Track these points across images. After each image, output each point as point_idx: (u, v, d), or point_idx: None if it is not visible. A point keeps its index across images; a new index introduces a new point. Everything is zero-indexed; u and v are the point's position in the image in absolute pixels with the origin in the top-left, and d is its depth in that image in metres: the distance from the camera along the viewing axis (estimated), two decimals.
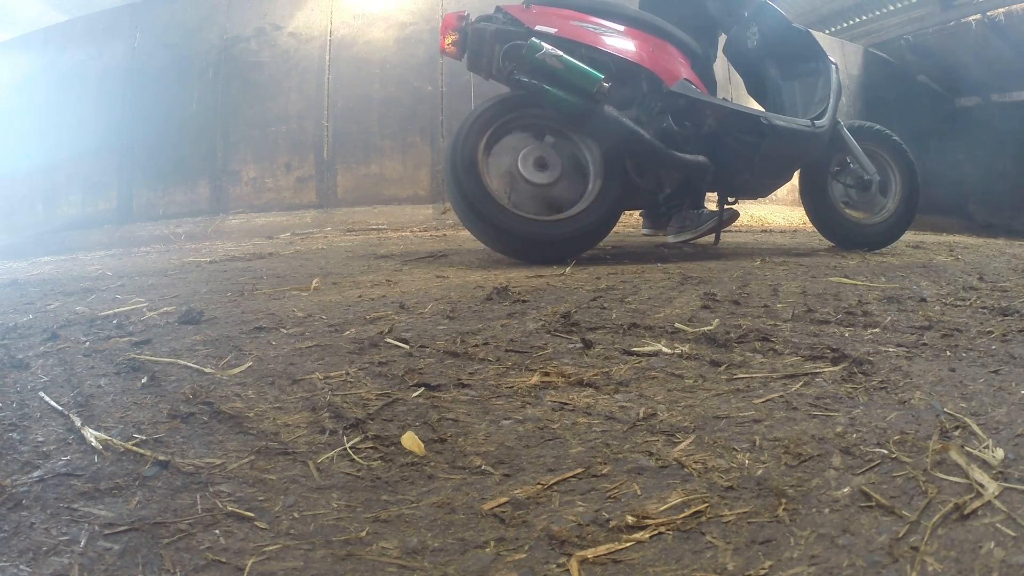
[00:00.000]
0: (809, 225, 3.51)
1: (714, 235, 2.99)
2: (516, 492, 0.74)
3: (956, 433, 0.82)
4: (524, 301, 1.60)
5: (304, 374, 1.09)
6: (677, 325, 1.35)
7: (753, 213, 5.27)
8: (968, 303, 1.56)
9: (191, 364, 1.14)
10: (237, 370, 1.11)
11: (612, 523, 0.68)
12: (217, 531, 0.67)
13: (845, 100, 5.68)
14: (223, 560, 0.62)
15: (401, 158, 4.72)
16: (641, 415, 0.92)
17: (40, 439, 0.85)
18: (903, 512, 0.66)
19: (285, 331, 1.36)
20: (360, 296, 1.75)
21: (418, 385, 1.04)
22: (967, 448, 0.77)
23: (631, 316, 1.44)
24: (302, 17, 4.80)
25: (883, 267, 2.28)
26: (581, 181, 2.47)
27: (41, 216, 4.93)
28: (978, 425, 0.83)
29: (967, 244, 3.80)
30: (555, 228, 2.36)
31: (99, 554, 0.63)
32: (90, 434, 0.85)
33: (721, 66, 3.69)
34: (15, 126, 5.01)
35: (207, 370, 1.12)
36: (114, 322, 1.48)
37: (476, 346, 1.23)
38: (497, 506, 0.71)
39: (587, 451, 0.83)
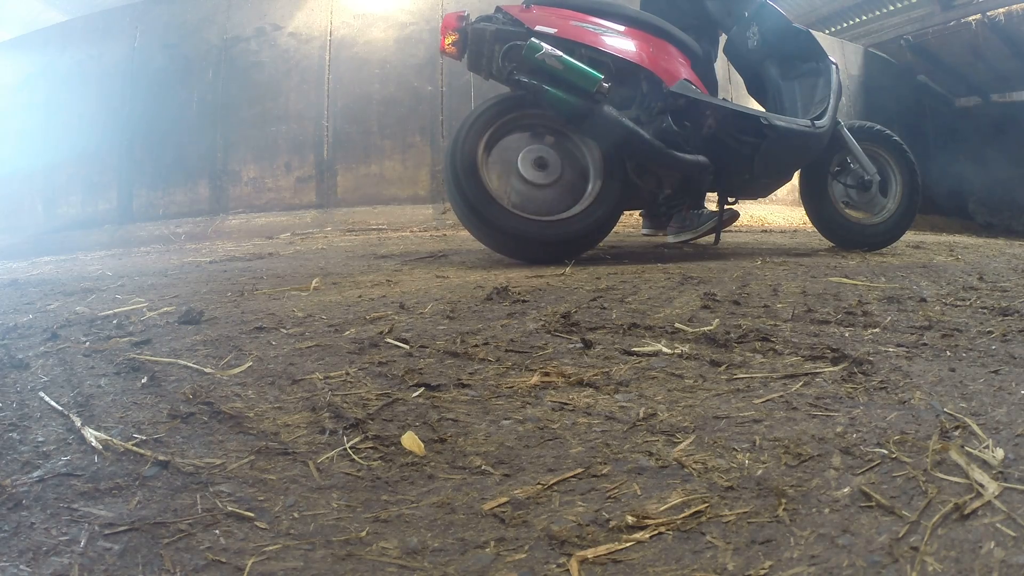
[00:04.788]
0: (809, 225, 3.51)
1: (714, 235, 2.99)
2: (516, 492, 0.74)
3: (956, 433, 0.82)
4: (524, 301, 1.60)
5: (304, 374, 1.09)
6: (677, 325, 1.35)
7: (753, 213, 5.27)
8: (968, 303, 1.56)
9: (191, 364, 1.14)
10: (237, 370, 1.11)
11: (612, 523, 0.68)
12: (217, 531, 0.67)
13: (845, 100, 5.68)
14: (223, 560, 0.62)
15: (401, 158, 4.72)
16: (641, 415, 0.92)
17: (40, 439, 0.85)
18: (903, 512, 0.66)
19: (285, 331, 1.36)
20: (360, 296, 1.75)
21: (418, 385, 1.04)
22: (967, 448, 0.77)
23: (631, 316, 1.44)
24: (302, 17, 4.80)
25: (883, 267, 2.28)
26: (581, 181, 2.47)
27: (41, 216, 4.93)
28: (978, 425, 0.83)
29: (967, 244, 3.80)
30: (555, 228, 2.36)
31: (99, 554, 0.63)
32: (90, 434, 0.85)
33: (721, 66, 3.69)
34: (15, 126, 5.01)
35: (207, 370, 1.12)
36: (114, 322, 1.48)
37: (476, 346, 1.23)
38: (497, 506, 0.71)
39: (587, 451, 0.83)
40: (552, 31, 2.40)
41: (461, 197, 2.31)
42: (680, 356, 1.17)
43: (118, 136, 4.77)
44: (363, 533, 0.67)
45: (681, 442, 0.84)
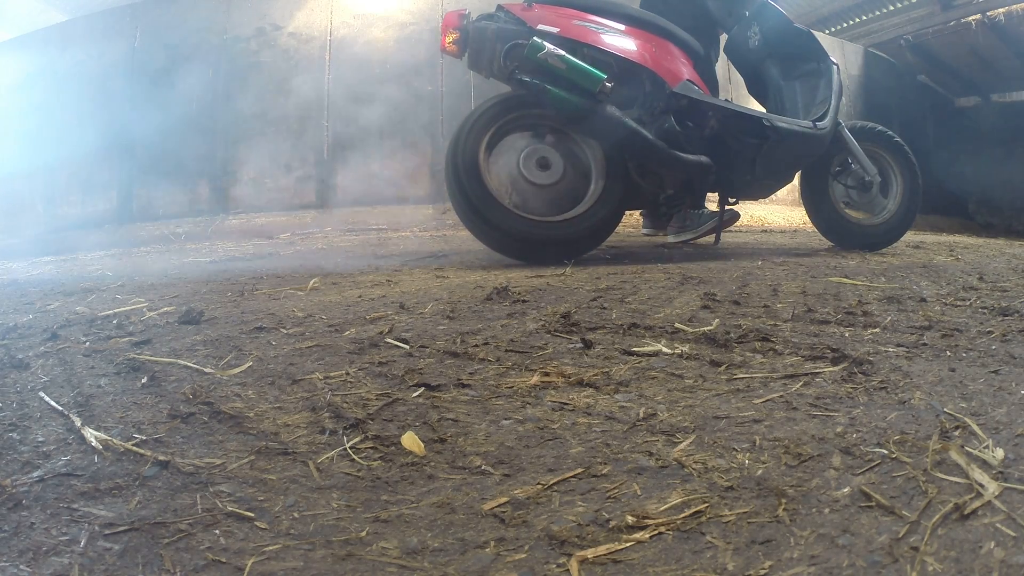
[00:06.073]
0: (809, 225, 3.51)
1: (714, 235, 2.99)
2: (516, 492, 0.74)
3: (956, 433, 0.82)
4: (524, 301, 1.60)
5: (304, 374, 1.09)
6: (677, 325, 1.35)
7: (753, 213, 5.27)
8: (968, 303, 1.56)
9: (191, 364, 1.14)
10: (237, 370, 1.11)
11: (612, 523, 0.68)
12: (217, 531, 0.67)
13: (845, 100, 5.67)
14: (223, 560, 0.62)
15: (401, 158, 4.72)
16: (641, 415, 0.92)
17: (40, 439, 0.85)
18: (903, 512, 0.66)
19: (285, 331, 1.36)
20: (360, 296, 1.75)
21: (418, 385, 1.04)
22: (967, 448, 0.77)
23: (631, 316, 1.44)
24: (302, 17, 4.80)
25: (883, 267, 2.28)
26: (583, 181, 2.47)
27: (41, 216, 4.93)
28: (978, 425, 0.83)
29: (967, 244, 3.80)
30: (558, 229, 2.36)
31: (99, 554, 0.63)
32: (90, 434, 0.85)
33: (721, 66, 3.69)
34: (15, 126, 5.00)
35: (207, 370, 1.12)
36: (114, 322, 1.48)
37: (476, 346, 1.23)
38: (497, 506, 0.71)
39: (587, 451, 0.83)
40: (554, 30, 2.40)
41: (462, 197, 2.31)
42: (680, 356, 1.17)
43: (118, 136, 4.77)
44: (363, 533, 0.67)
45: (681, 442, 0.84)
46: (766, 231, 4.51)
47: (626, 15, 2.61)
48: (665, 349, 1.20)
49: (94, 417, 0.92)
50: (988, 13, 6.19)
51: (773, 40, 2.90)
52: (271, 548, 0.65)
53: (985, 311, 1.47)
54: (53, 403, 0.96)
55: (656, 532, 0.66)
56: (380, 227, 4.37)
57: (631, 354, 1.18)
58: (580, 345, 1.23)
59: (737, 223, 3.73)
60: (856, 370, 1.06)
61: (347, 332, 1.34)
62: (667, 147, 2.44)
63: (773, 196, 3.21)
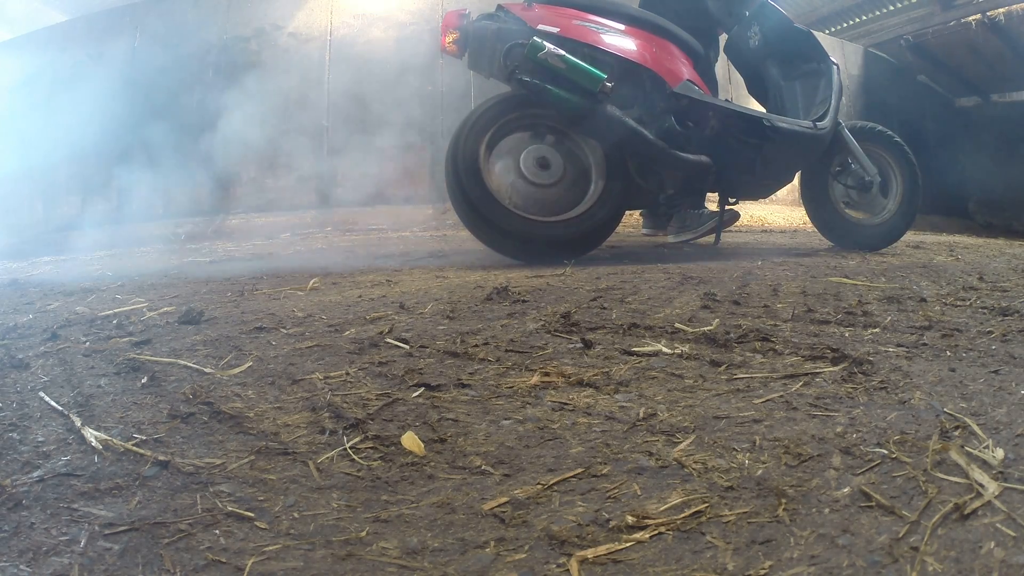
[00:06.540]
0: (809, 225, 3.51)
1: (714, 235, 2.99)
2: (516, 492, 0.74)
3: (956, 433, 0.82)
4: (524, 301, 1.60)
5: (304, 374, 1.09)
6: (677, 325, 1.35)
7: (753, 213, 5.27)
8: (968, 303, 1.56)
9: (191, 364, 1.14)
10: (237, 370, 1.11)
11: (612, 523, 0.68)
12: (217, 531, 0.67)
13: (845, 100, 5.67)
14: (223, 560, 0.62)
15: (401, 158, 4.72)
16: (641, 415, 0.92)
17: (40, 439, 0.85)
18: (903, 512, 0.66)
19: (285, 331, 1.36)
20: (360, 296, 1.75)
21: (418, 385, 1.04)
22: (967, 448, 0.77)
23: (631, 316, 1.44)
24: (302, 17, 4.80)
25: (883, 267, 2.28)
26: (583, 181, 2.47)
27: (41, 216, 4.93)
28: (978, 425, 0.83)
29: (967, 244, 3.80)
30: (558, 229, 2.36)
31: (99, 554, 0.63)
32: (90, 434, 0.85)
33: (721, 66, 3.69)
34: (15, 126, 5.00)
35: (207, 370, 1.12)
36: (114, 322, 1.48)
37: (476, 346, 1.23)
38: (497, 506, 0.71)
39: (587, 451, 0.83)
40: (555, 30, 2.40)
41: (463, 197, 2.31)
42: (680, 356, 1.17)
43: (118, 136, 4.77)
44: (363, 533, 0.67)
45: (681, 442, 0.84)
46: (766, 231, 4.51)
47: (626, 15, 2.61)
48: (665, 349, 1.20)
49: (94, 417, 0.92)
50: (988, 13, 6.19)
51: (773, 40, 2.90)
52: (271, 548, 0.65)
53: (985, 311, 1.47)
54: (53, 403, 0.96)
55: (656, 532, 0.66)
56: (380, 227, 4.37)
57: (631, 354, 1.18)
58: (580, 345, 1.23)
59: (737, 223, 3.73)
60: (856, 370, 1.06)
61: (347, 332, 1.34)
62: (667, 147, 2.44)
63: (773, 196, 3.21)
